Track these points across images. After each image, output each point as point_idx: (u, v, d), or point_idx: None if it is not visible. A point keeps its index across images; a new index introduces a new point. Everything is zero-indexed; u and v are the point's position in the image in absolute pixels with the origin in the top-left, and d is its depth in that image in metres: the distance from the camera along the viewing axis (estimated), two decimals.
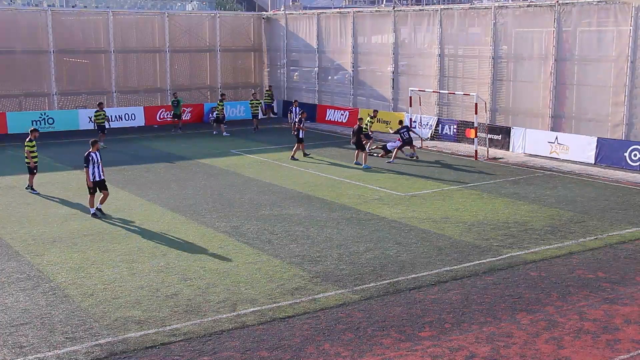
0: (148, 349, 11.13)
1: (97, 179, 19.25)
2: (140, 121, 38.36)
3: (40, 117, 35.78)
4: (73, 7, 43.00)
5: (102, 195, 19.58)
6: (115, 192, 22.35)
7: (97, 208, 19.42)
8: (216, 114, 36.39)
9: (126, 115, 38.20)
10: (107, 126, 31.56)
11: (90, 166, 19.08)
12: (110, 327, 11.92)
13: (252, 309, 12.70)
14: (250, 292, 13.58)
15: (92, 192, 19.29)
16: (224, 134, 35.53)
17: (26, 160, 22.39)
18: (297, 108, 33.14)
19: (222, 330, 11.84)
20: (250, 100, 38.04)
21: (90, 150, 19.19)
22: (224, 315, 12.43)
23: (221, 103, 36.28)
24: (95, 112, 31.48)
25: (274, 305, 12.92)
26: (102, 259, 15.61)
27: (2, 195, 22.09)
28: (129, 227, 18.28)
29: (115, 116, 37.35)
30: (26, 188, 22.47)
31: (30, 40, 37.27)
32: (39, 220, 18.91)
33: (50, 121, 35.97)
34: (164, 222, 18.76)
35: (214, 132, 36.10)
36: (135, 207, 20.47)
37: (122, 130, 36.40)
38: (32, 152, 22.26)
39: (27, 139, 22.25)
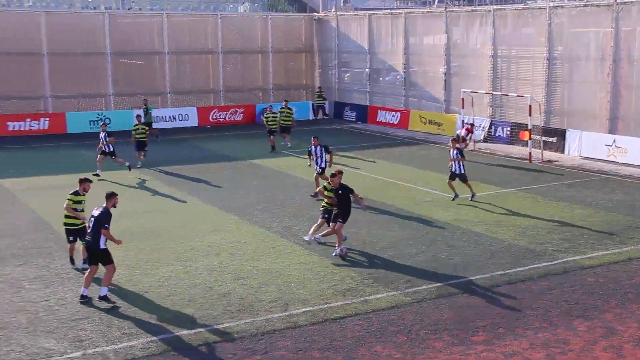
0: (201, 347, 11.27)
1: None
2: (193, 122, 38.91)
3: (97, 117, 36.60)
4: (129, 9, 43.73)
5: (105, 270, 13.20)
6: (170, 192, 22.75)
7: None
8: (284, 122, 31.47)
9: (180, 115, 38.82)
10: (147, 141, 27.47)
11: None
12: (165, 324, 12.11)
13: (303, 309, 12.75)
14: (301, 292, 13.63)
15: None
16: (287, 143, 31.57)
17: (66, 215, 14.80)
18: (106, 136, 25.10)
19: (274, 329, 11.92)
20: (266, 114, 31.21)
21: (108, 205, 13.22)
22: (276, 315, 12.50)
23: (288, 109, 32.04)
24: (134, 125, 27.45)
25: (326, 305, 12.94)
26: (157, 257, 15.87)
27: (60, 195, 22.59)
28: (183, 226, 18.53)
29: (169, 116, 38.02)
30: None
31: (88, 43, 38.17)
32: None
33: (107, 121, 36.66)
34: (217, 221, 18.97)
35: (288, 144, 31.56)
36: (188, 207, 20.76)
37: (176, 130, 36.94)
38: (76, 208, 14.66)
39: (73, 192, 14.80)
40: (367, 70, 41.25)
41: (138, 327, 11.98)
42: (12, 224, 18.76)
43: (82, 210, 14.62)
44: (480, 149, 31.16)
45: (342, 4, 56.34)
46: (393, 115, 38.62)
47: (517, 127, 31.04)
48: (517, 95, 31.09)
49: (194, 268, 15.08)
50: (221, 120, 39.68)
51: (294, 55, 44.73)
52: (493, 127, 32.86)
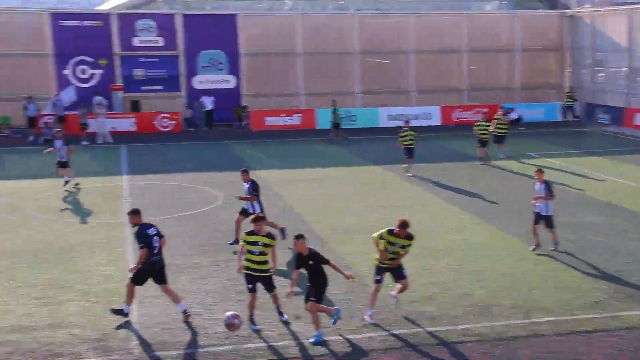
0: (439, 345, 11.34)
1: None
2: (436, 120, 39.04)
3: (345, 115, 38.13)
4: (376, 9, 44.98)
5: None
6: (410, 189, 23.13)
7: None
8: (500, 130, 28.66)
9: (423, 114, 39.11)
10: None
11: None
12: (405, 319, 12.36)
13: (546, 319, 12.28)
14: (544, 300, 13.13)
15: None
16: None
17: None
18: None
19: (514, 335, 11.64)
20: (477, 123, 28.10)
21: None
22: (517, 321, 12.19)
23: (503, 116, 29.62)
24: (404, 131, 26.04)
25: (571, 317, 12.35)
26: None
27: (307, 188, 23.94)
28: (422, 223, 18.61)
29: (413, 115, 38.49)
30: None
31: (338, 43, 39.97)
32: (345, 212, 20.12)
33: (354, 118, 38.16)
34: (456, 221, 18.91)
35: (501, 155, 28.58)
36: (428, 205, 20.92)
37: (419, 129, 37.16)
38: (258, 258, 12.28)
39: (248, 231, 12.48)
40: (624, 69, 38.36)
41: (378, 319, 12.34)
42: (268, 211, 20.23)
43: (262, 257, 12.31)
44: None
45: None
46: None
47: None
48: None
49: (434, 266, 15.18)
50: (464, 119, 39.34)
51: (542, 53, 42.87)
52: None
